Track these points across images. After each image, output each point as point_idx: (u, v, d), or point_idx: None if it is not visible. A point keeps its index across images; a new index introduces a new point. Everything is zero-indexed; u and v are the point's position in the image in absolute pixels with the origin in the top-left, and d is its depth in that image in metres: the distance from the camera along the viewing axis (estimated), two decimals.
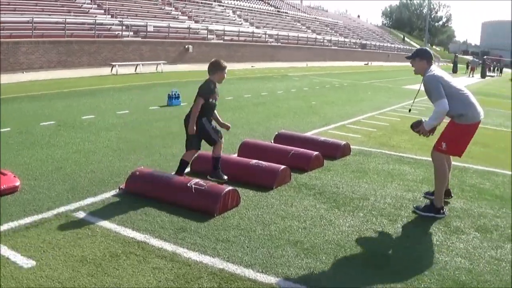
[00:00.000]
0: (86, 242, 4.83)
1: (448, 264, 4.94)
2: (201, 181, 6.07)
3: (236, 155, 8.27)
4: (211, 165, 6.67)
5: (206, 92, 6.42)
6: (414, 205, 6.48)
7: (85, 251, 4.64)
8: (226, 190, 5.85)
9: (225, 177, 6.68)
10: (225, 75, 6.63)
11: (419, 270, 4.74)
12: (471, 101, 6.09)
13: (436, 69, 6.18)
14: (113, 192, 6.34)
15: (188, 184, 5.93)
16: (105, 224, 5.32)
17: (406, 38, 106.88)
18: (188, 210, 5.76)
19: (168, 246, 4.83)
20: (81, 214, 5.55)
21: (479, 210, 6.67)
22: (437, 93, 5.92)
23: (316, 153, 8.11)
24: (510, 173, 8.86)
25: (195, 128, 6.33)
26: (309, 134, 11.03)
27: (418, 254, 5.14)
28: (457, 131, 6.15)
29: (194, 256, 4.66)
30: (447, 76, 6.13)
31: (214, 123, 6.70)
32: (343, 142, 9.26)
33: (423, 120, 6.18)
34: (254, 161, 7.20)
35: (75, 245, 4.76)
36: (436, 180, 6.31)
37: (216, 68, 6.54)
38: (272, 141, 9.38)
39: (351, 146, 9.53)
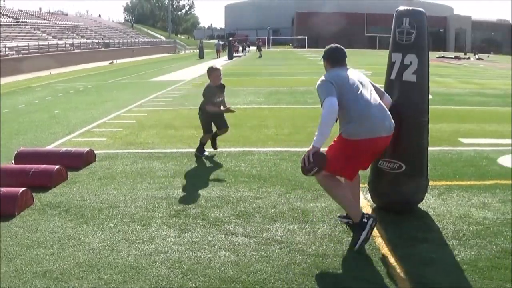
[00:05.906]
0: None
1: (212, 260, 4.80)
2: None
3: None
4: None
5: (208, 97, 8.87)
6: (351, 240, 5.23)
7: None
8: None
9: (206, 153, 9.23)
10: (220, 76, 8.92)
11: (181, 274, 4.58)
12: (370, 111, 4.87)
13: (340, 70, 5.09)
14: None
15: None
16: None
17: (134, 25, 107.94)
18: None
19: None
20: None
21: (237, 195, 6.71)
22: (323, 92, 4.78)
23: (57, 167, 7.81)
24: (265, 150, 9.46)
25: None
26: (51, 146, 10.68)
27: (168, 256, 4.96)
28: (342, 147, 5.01)
29: None
30: (354, 79, 4.99)
31: None
32: (86, 149, 9.07)
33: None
34: None
35: None
36: (336, 200, 5.30)
37: (208, 73, 8.90)
38: (13, 162, 8.93)
39: (96, 152, 9.37)
